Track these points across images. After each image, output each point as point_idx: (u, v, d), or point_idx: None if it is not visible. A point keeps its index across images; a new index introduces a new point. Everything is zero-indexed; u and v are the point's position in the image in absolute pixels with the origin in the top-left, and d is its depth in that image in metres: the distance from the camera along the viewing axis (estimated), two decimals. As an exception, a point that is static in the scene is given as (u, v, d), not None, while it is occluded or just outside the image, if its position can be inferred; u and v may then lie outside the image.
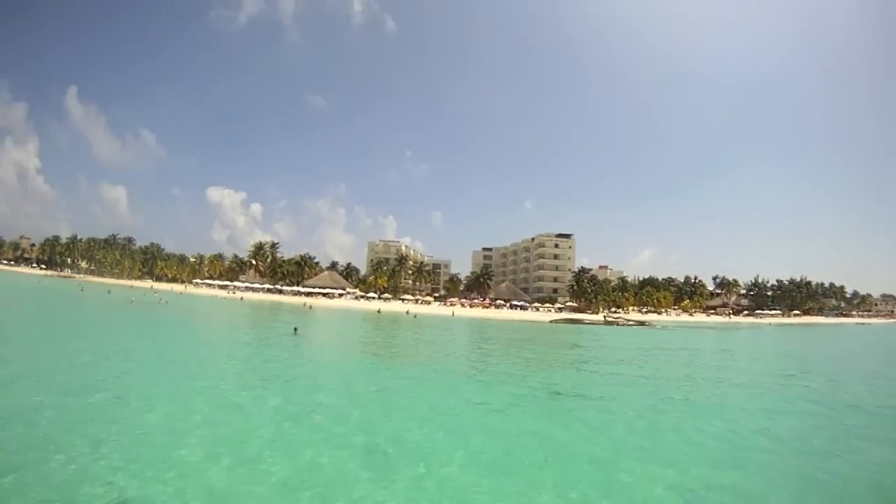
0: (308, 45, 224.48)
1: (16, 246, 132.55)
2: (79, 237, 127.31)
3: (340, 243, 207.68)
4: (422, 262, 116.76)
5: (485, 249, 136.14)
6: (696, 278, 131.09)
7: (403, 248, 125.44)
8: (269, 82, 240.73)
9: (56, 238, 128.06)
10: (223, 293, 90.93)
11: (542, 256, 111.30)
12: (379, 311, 65.78)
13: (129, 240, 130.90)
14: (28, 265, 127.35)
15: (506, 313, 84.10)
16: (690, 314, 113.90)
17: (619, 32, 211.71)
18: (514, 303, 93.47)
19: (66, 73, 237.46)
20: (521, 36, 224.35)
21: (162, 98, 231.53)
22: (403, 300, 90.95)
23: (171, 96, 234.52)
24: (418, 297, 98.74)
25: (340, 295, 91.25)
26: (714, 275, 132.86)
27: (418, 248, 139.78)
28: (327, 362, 18.71)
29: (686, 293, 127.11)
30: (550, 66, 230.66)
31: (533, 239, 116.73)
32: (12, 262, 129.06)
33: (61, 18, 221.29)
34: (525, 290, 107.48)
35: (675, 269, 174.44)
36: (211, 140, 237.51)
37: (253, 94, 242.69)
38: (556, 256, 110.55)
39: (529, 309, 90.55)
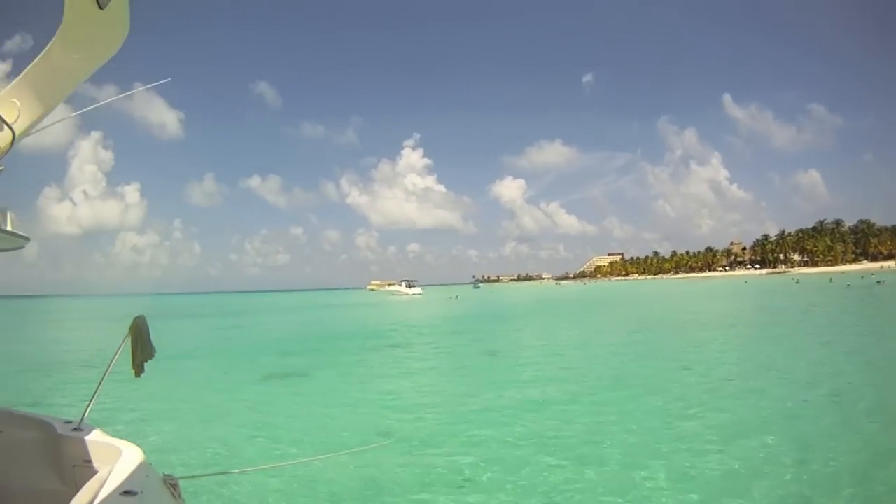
0: None
1: (728, 252, 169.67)
2: (786, 231, 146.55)
3: None
4: None
5: None
6: None
7: None
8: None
9: (765, 237, 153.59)
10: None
11: None
12: None
13: (838, 222, 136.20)
14: (742, 268, 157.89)
15: None
16: None
17: None
18: None
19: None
20: None
21: (814, 70, 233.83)
22: None
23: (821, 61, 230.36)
24: None
25: None
26: None
27: None
28: None
29: None
30: None
31: None
32: (727, 268, 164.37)
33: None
34: None
35: None
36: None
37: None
38: None
39: None
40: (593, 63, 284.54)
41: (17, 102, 2.75)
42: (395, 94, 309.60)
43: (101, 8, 2.22)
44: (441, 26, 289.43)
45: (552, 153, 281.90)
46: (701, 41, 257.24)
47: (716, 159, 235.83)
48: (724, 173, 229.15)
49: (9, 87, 2.82)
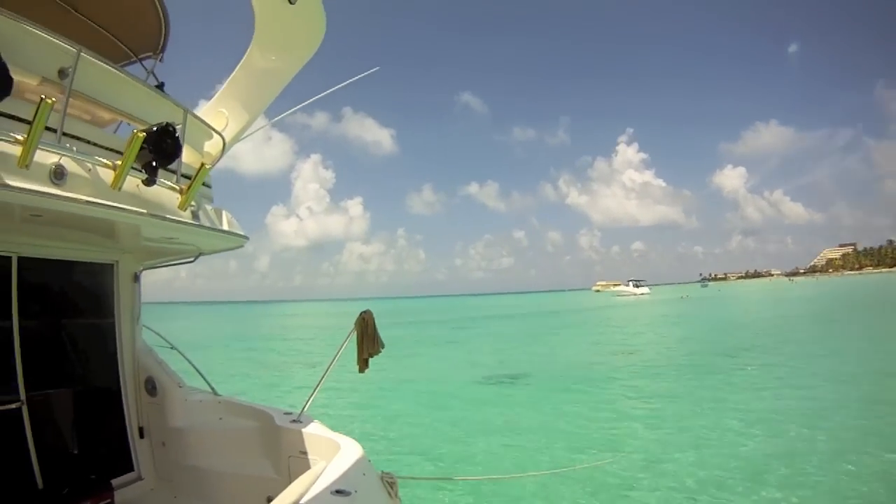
0: None
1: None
2: None
3: None
4: None
5: None
6: None
7: None
8: None
9: None
10: None
11: None
12: None
13: None
14: None
15: None
16: None
17: None
18: None
19: None
20: None
21: None
22: None
23: None
24: None
25: None
26: None
27: None
28: None
29: None
30: None
31: None
32: None
33: None
34: None
35: None
36: None
37: None
38: None
39: None
40: (796, 31, 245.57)
41: (225, 111, 2.86)
42: (601, 91, 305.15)
43: (290, 3, 2.25)
44: (635, 12, 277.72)
45: (769, 135, 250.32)
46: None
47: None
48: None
49: (215, 97, 2.96)
